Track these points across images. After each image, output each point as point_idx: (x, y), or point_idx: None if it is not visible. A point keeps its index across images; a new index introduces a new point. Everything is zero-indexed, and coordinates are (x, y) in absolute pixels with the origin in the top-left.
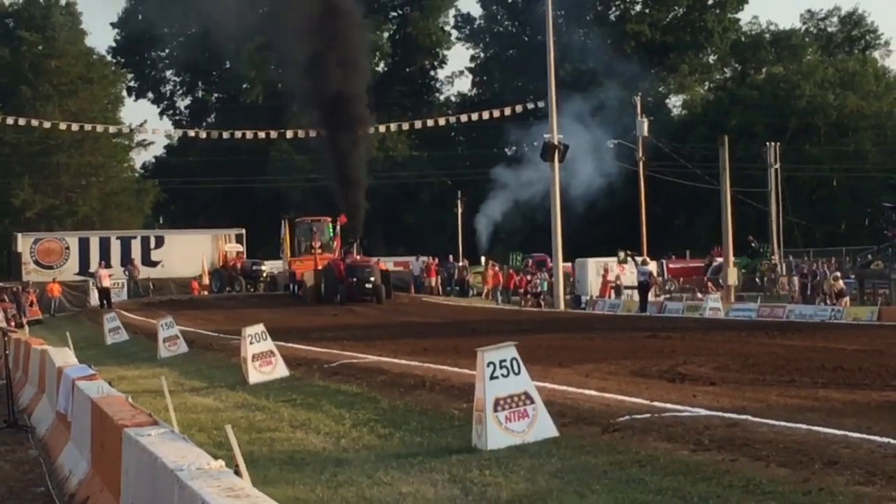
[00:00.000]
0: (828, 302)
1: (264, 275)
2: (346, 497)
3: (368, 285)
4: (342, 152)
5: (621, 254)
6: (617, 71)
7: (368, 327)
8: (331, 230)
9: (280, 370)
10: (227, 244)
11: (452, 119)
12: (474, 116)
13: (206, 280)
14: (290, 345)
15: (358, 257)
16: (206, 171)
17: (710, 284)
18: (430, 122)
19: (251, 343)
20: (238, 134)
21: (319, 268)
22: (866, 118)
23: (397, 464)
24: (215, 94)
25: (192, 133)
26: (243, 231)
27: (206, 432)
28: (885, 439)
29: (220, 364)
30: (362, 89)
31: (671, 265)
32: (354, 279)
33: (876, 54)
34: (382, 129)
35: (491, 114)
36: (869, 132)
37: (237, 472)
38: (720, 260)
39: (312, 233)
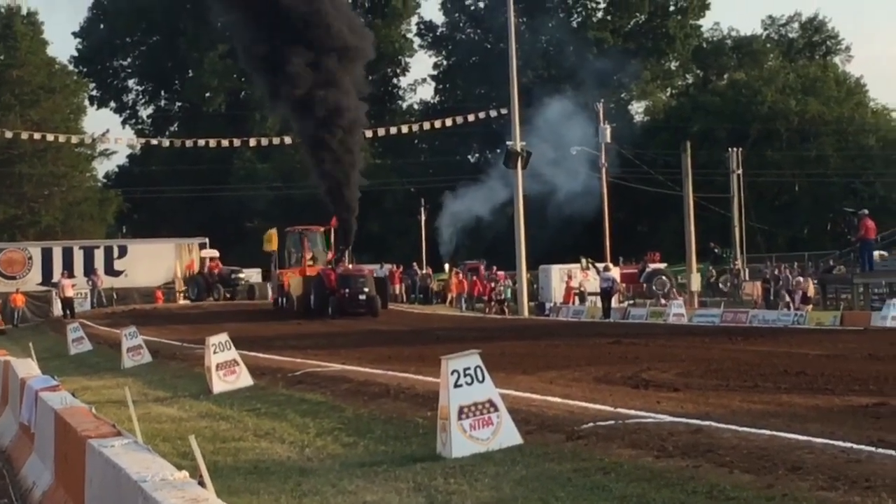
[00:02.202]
0: (791, 307)
1: (243, 282)
2: None
3: (362, 297)
4: (335, 153)
5: (583, 261)
6: (579, 77)
7: (332, 335)
8: (323, 240)
9: (244, 379)
10: (204, 250)
11: (416, 127)
12: (437, 124)
13: (179, 286)
14: (254, 354)
15: (350, 266)
16: (169, 180)
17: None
18: (393, 130)
19: (215, 352)
20: (201, 142)
21: (307, 275)
22: (828, 123)
23: (362, 472)
24: (178, 103)
25: (154, 142)
26: (206, 240)
27: (170, 442)
28: (849, 444)
29: (184, 374)
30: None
31: None
32: (347, 290)
33: (837, 60)
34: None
35: (454, 121)
36: (830, 137)
37: (201, 483)
38: (654, 266)
39: (303, 243)
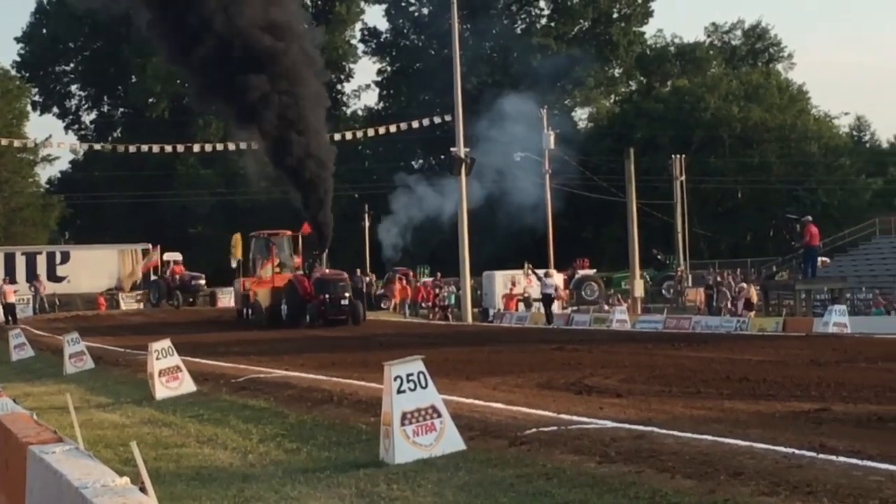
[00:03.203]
0: (734, 312)
1: (203, 289)
2: None
3: (344, 302)
4: (307, 154)
5: (526, 266)
6: (523, 83)
7: (276, 341)
8: (291, 246)
9: (187, 385)
10: (167, 253)
11: (360, 133)
12: (381, 130)
13: (127, 287)
14: (197, 360)
15: (327, 270)
16: (112, 185)
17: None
18: (336, 136)
19: (158, 358)
20: (144, 148)
21: (277, 285)
22: (770, 130)
23: (304, 479)
24: (121, 109)
25: (97, 147)
26: (149, 245)
27: (113, 449)
28: (790, 450)
29: (127, 380)
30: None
31: None
32: (327, 296)
33: (779, 67)
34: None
35: (398, 127)
36: (773, 144)
37: (143, 489)
38: (582, 272)
39: (269, 248)
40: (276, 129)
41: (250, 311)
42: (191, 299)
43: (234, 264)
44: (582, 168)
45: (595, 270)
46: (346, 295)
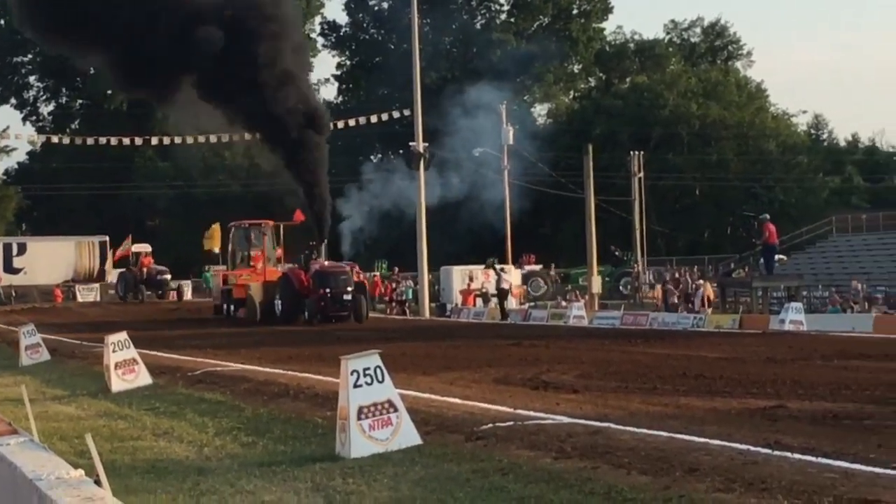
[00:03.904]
0: (691, 309)
1: (168, 283)
2: None
3: (346, 297)
4: (304, 138)
5: (489, 261)
6: (482, 78)
7: (233, 335)
8: (273, 236)
9: (143, 378)
10: (137, 244)
11: None
12: (340, 124)
13: (82, 275)
14: (154, 353)
15: (326, 263)
16: (69, 177)
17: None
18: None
19: (114, 351)
20: (102, 140)
21: (268, 279)
22: (728, 128)
23: (260, 472)
24: (79, 101)
25: (55, 139)
26: (107, 238)
27: (68, 441)
28: (745, 446)
29: (83, 372)
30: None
31: None
32: (327, 290)
33: (738, 65)
34: (248, 136)
35: (357, 121)
36: (731, 142)
37: (97, 482)
38: (529, 268)
39: (250, 240)
40: (270, 109)
41: (232, 308)
42: (160, 292)
43: (216, 250)
44: (541, 164)
45: (542, 266)
46: (349, 289)
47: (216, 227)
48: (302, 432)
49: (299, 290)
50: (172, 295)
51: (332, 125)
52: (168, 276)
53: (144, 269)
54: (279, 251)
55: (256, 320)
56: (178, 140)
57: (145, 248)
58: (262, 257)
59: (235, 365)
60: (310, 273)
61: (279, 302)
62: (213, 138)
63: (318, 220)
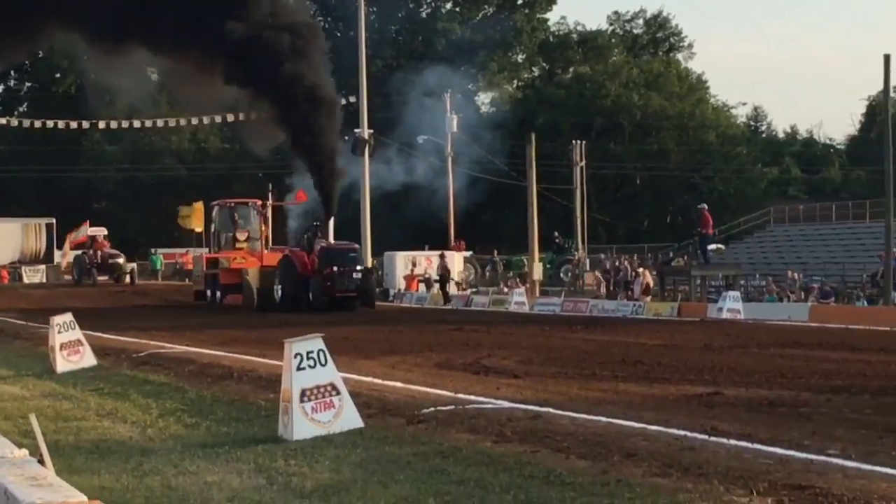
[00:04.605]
0: (630, 296)
1: (122, 268)
2: (151, 486)
3: (356, 275)
4: (313, 115)
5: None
6: (427, 67)
7: (178, 318)
8: (260, 216)
9: (88, 359)
10: (93, 227)
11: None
12: None
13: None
14: (99, 334)
15: (332, 242)
16: (16, 160)
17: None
18: (241, 116)
19: (59, 332)
20: (50, 123)
21: (267, 263)
22: (669, 118)
23: (203, 453)
24: (27, 84)
25: (2, 121)
26: (54, 220)
27: (12, 421)
28: (682, 432)
29: (28, 353)
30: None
31: None
32: (336, 268)
33: (679, 56)
34: (195, 121)
35: None
36: (672, 132)
37: (41, 461)
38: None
39: (235, 221)
40: (276, 86)
41: (219, 294)
42: (117, 275)
43: (197, 230)
44: (484, 152)
45: (472, 252)
46: (359, 268)
47: (198, 206)
48: (245, 414)
49: (302, 273)
50: (127, 278)
51: None
52: (120, 261)
53: (99, 253)
54: (265, 230)
55: (254, 308)
56: (125, 124)
57: (101, 231)
58: (262, 238)
59: (180, 347)
60: (315, 252)
61: (279, 287)
62: (159, 122)
63: (327, 196)
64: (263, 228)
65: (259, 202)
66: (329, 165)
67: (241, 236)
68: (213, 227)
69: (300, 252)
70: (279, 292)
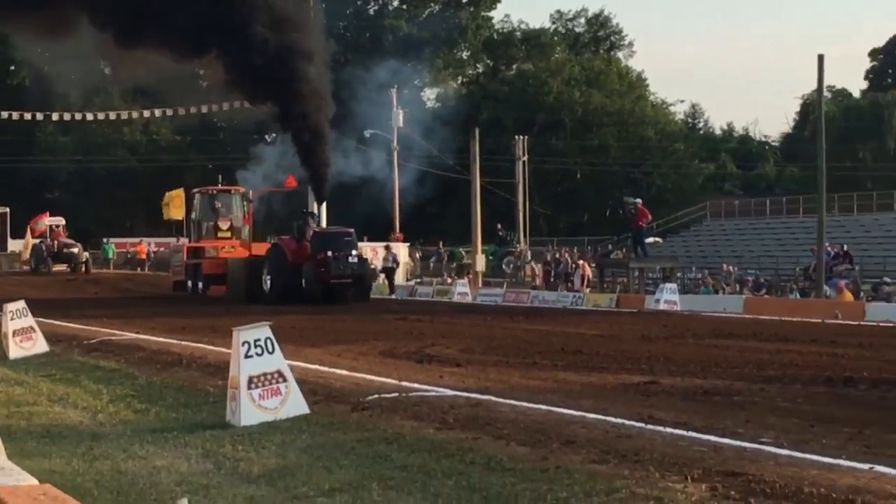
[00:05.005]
0: (571, 288)
1: (78, 257)
2: (101, 470)
3: (352, 260)
4: (306, 100)
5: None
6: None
7: (129, 305)
8: (242, 205)
9: (40, 346)
10: (50, 217)
11: (214, 107)
12: (237, 104)
13: (25, 255)
14: (51, 321)
15: (326, 227)
16: None
17: None
18: (192, 109)
19: (11, 319)
20: (4, 114)
21: (255, 253)
22: (609, 115)
23: (153, 438)
24: None
25: None
26: (7, 210)
27: None
28: (620, 420)
29: None
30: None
31: None
32: (329, 252)
33: (620, 55)
34: (147, 114)
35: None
36: (612, 128)
37: None
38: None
39: (216, 209)
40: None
41: (202, 285)
42: (73, 264)
43: (178, 219)
44: (429, 146)
45: (409, 244)
46: (355, 253)
47: (178, 194)
48: (194, 400)
49: (293, 262)
50: (83, 268)
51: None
52: (74, 251)
53: (55, 242)
54: (246, 218)
55: (241, 299)
56: (78, 116)
57: (59, 221)
58: (249, 225)
59: (130, 334)
60: (307, 238)
61: (269, 278)
62: (112, 115)
63: (319, 181)
64: (246, 217)
65: (242, 190)
66: (320, 148)
67: (224, 225)
68: (193, 215)
69: (290, 240)
70: (268, 282)
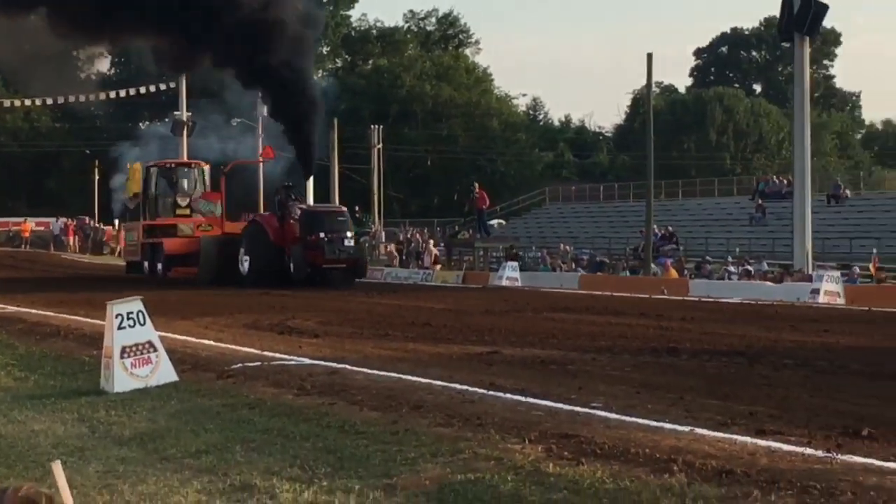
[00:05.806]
0: (421, 265)
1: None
2: None
3: (347, 242)
4: (294, 73)
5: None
6: None
7: (8, 281)
8: (202, 179)
9: None
10: None
11: (93, 96)
12: (112, 94)
13: None
14: None
15: (315, 205)
16: None
17: None
18: (72, 98)
19: None
20: None
21: (228, 231)
22: (458, 107)
23: (31, 404)
24: None
25: None
26: None
27: None
28: (464, 387)
29: None
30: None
31: None
32: (321, 234)
33: (468, 51)
34: (28, 102)
35: (128, 92)
36: (460, 119)
37: None
38: None
39: (175, 183)
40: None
41: (161, 266)
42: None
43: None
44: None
45: None
46: (349, 234)
47: (137, 168)
48: (70, 369)
49: (276, 241)
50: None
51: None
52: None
53: None
54: (212, 195)
55: (211, 281)
56: (6, 104)
57: None
58: (221, 200)
59: (10, 307)
60: (292, 216)
61: (247, 258)
62: None
63: (306, 149)
64: (210, 192)
65: (204, 164)
66: (308, 132)
67: (182, 201)
68: (150, 191)
69: (270, 217)
70: (246, 263)
